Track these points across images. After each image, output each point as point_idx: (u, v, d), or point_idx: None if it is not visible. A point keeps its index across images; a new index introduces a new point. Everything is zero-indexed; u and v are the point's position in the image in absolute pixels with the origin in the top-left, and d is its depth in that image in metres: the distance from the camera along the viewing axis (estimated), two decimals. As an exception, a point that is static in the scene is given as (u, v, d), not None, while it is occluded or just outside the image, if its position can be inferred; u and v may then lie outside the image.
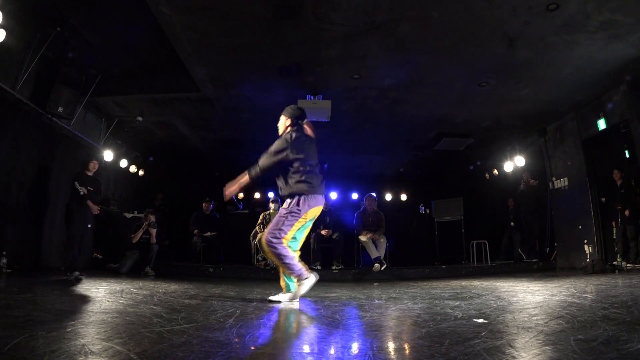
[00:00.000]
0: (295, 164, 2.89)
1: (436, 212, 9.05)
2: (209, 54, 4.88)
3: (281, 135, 3.04)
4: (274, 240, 2.82)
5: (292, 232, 2.87)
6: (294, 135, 2.93)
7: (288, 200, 2.94)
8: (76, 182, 4.79)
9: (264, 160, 2.93)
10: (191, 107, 6.55)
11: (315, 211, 2.95)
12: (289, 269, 2.88)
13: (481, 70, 5.19)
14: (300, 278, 2.89)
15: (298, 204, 2.86)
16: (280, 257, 2.83)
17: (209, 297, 3.10)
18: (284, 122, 3.12)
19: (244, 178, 2.97)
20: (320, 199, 2.96)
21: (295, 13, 4.07)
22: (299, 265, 2.88)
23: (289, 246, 2.88)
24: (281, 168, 2.94)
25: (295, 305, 2.80)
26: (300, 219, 2.87)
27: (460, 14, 4.05)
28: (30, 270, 4.92)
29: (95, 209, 4.95)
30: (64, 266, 4.71)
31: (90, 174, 5.04)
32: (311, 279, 2.91)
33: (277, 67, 5.17)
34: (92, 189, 4.92)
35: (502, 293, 3.29)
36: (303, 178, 2.88)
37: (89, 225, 5.06)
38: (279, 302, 2.87)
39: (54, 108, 5.14)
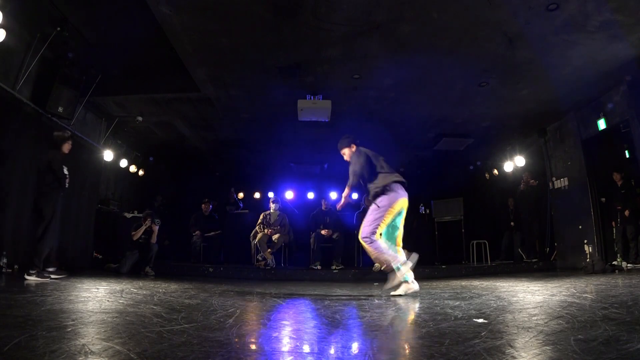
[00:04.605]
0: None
1: (436, 212, 9.05)
2: (209, 54, 4.88)
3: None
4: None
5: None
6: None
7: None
8: None
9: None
10: (191, 107, 6.55)
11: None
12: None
13: (481, 70, 5.19)
14: None
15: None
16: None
17: (209, 297, 3.10)
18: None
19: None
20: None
21: (295, 13, 4.07)
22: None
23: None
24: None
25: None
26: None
27: (460, 14, 4.05)
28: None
29: None
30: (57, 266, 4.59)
31: None
32: None
33: (277, 67, 5.17)
34: None
35: (502, 293, 3.29)
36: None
37: None
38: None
39: (54, 108, 5.13)
